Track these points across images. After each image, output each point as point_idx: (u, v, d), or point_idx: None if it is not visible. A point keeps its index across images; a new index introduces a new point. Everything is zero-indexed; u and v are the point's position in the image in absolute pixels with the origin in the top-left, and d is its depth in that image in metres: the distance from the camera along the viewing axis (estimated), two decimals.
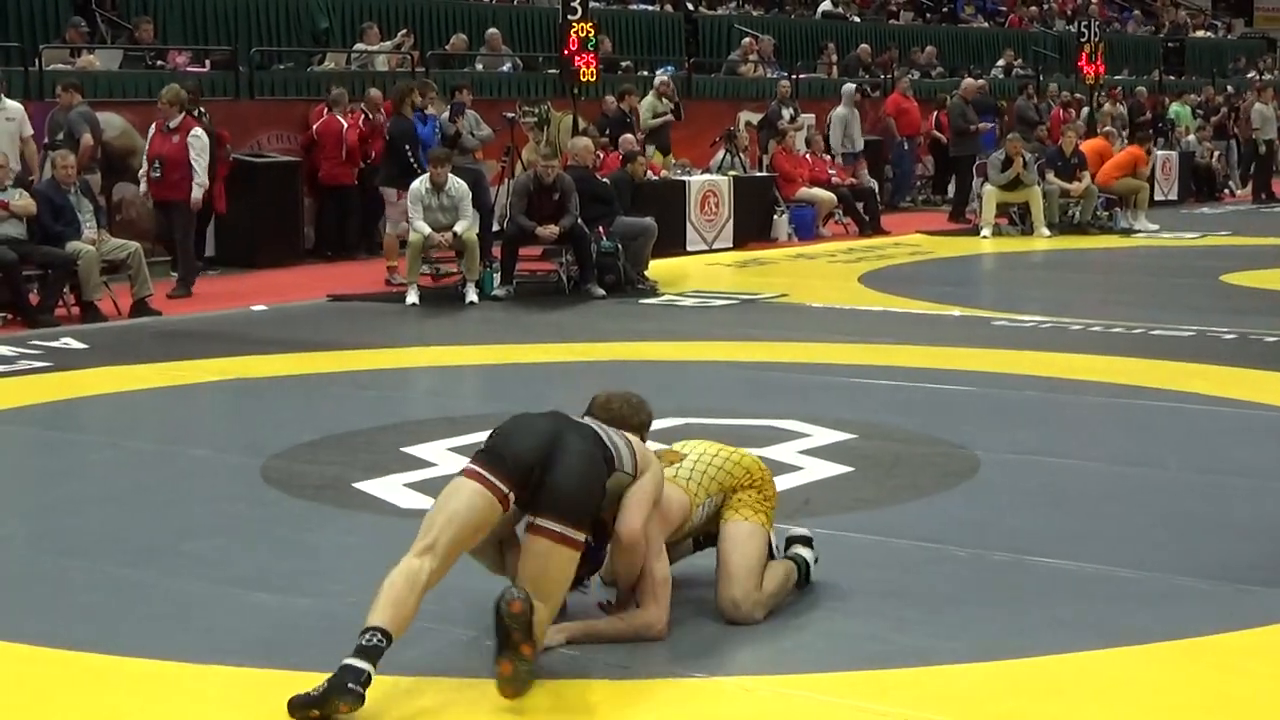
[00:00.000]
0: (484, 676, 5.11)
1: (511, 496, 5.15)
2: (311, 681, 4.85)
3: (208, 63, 19.19)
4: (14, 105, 15.10)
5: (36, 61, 17.02)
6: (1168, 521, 7.18)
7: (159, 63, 18.75)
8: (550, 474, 5.15)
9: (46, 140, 15.30)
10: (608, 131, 19.07)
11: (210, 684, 5.21)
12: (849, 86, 23.77)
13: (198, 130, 14.82)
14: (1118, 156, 21.99)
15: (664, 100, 21.01)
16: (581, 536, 5.17)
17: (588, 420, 5.57)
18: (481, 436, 8.62)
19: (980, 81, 26.13)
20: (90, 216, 13.74)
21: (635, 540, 5.32)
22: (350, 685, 4.80)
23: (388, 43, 20.65)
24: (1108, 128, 24.12)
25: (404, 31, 20.70)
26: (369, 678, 4.84)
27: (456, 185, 14.71)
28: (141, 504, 7.62)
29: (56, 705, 5.08)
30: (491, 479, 5.15)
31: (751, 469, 5.90)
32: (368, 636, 4.90)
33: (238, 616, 5.85)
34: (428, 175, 14.74)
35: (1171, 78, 34.05)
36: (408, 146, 15.78)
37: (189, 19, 19.86)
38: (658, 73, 22.56)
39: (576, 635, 5.45)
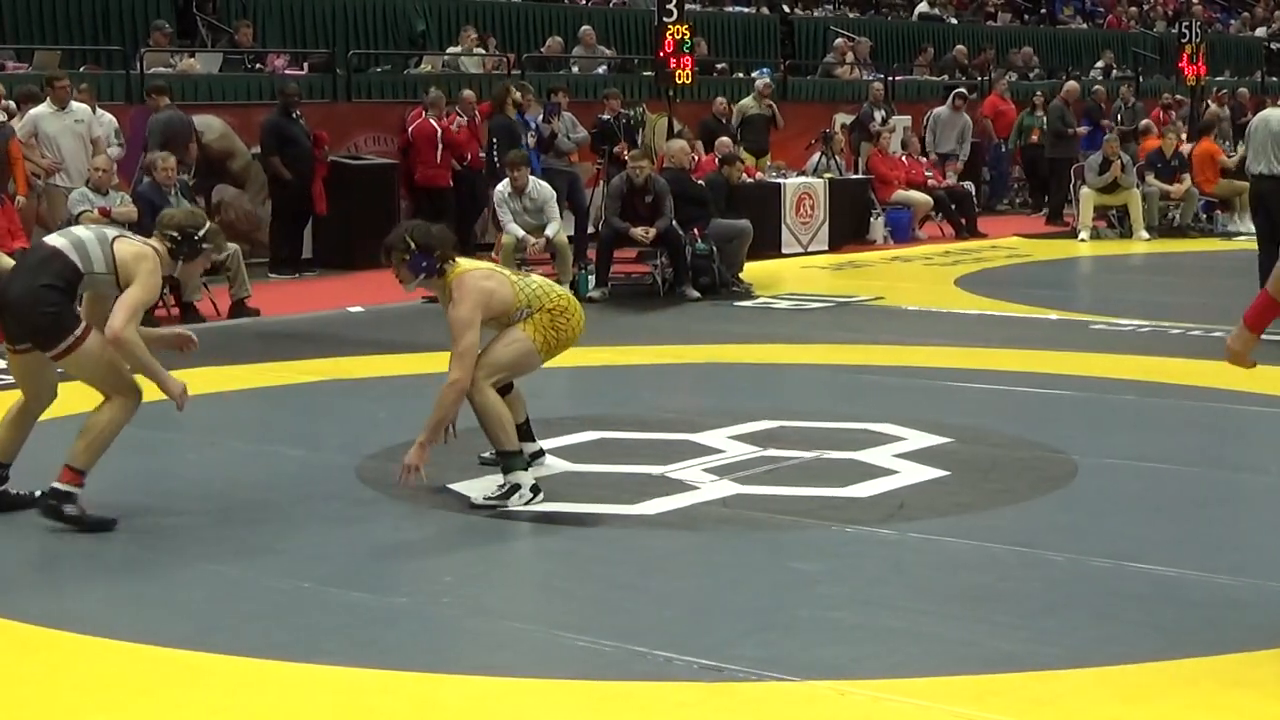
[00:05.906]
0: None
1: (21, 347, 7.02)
2: (407, 681, 4.84)
3: (306, 65, 19.36)
4: (81, 108, 14.95)
5: (138, 65, 17.22)
6: (1268, 527, 7.09)
7: (258, 66, 18.94)
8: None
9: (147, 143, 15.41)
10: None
11: (308, 682, 5.24)
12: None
13: None
14: (1197, 157, 21.43)
15: (762, 103, 20.96)
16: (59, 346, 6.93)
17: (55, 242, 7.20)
18: (574, 438, 8.80)
19: (1097, 88, 25.88)
20: None
21: (115, 338, 6.88)
22: None
23: (479, 49, 20.72)
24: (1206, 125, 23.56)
25: (474, 36, 20.73)
26: None
27: (538, 188, 14.73)
28: (238, 503, 7.69)
29: (155, 702, 5.13)
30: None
31: (559, 299, 7.81)
32: None
33: (335, 615, 5.88)
34: (508, 179, 14.77)
35: (1274, 79, 33.56)
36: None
37: (288, 22, 20.06)
38: (755, 75, 22.52)
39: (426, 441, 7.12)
